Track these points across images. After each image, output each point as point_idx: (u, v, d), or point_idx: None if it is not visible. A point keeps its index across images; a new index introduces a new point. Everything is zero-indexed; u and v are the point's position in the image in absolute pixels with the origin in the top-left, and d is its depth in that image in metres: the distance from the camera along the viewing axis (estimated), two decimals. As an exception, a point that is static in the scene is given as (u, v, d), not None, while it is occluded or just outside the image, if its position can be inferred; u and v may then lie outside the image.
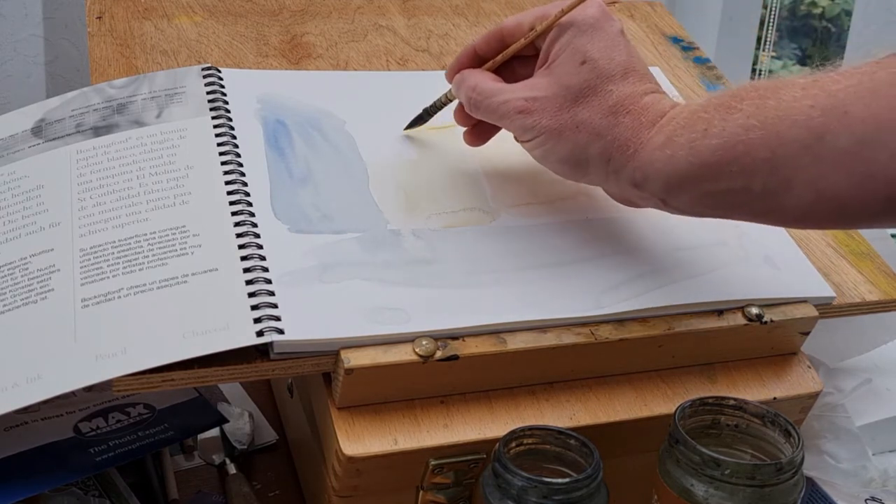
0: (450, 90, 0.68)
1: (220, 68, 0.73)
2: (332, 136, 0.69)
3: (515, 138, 0.64)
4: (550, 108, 0.59)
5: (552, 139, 0.60)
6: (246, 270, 0.58)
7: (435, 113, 0.70)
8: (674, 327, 0.62)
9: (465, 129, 0.69)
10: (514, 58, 0.65)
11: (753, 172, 0.52)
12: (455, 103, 0.68)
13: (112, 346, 0.55)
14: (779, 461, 0.55)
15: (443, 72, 0.68)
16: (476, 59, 0.66)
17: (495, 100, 0.62)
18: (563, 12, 0.61)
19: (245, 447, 0.75)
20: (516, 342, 0.59)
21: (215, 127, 0.67)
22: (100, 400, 0.69)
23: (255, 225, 0.61)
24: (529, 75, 0.63)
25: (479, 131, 0.68)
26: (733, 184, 0.53)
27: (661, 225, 0.68)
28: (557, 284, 0.62)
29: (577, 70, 0.59)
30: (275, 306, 0.57)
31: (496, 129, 0.67)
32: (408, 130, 0.71)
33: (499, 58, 0.65)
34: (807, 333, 0.67)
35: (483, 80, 0.63)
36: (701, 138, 0.54)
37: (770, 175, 0.52)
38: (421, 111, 0.71)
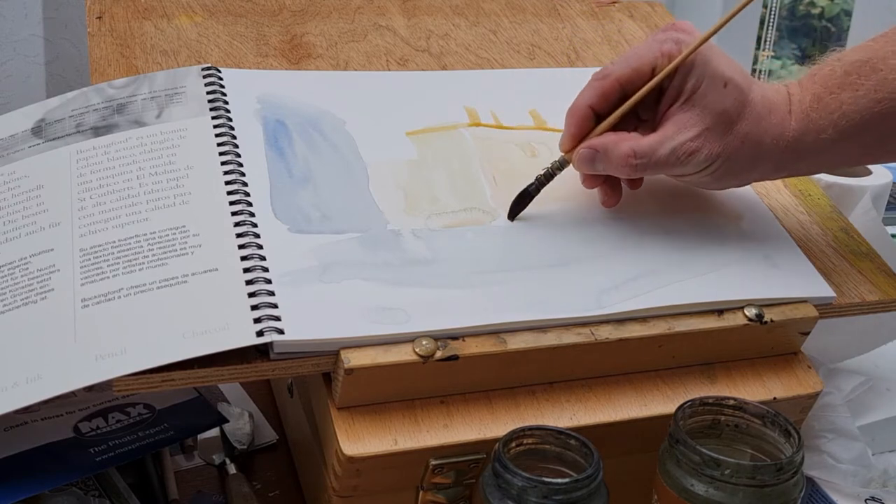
0: (558, 161, 0.66)
1: (220, 68, 0.73)
2: (332, 136, 0.69)
3: (673, 176, 0.66)
4: (715, 137, 0.62)
5: (726, 161, 0.63)
6: (246, 270, 0.58)
7: (541, 188, 0.66)
8: (674, 327, 0.62)
9: (594, 189, 0.68)
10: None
11: (887, 134, 0.63)
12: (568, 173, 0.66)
13: (112, 346, 0.55)
14: (779, 461, 0.55)
15: (443, 72, 0.68)
16: (592, 119, 0.65)
17: (661, 154, 0.62)
18: (695, 49, 0.62)
19: (245, 447, 0.75)
20: (516, 342, 0.59)
21: (215, 127, 0.67)
22: (100, 400, 0.69)
23: (255, 225, 0.61)
24: (626, 121, 0.64)
25: (614, 187, 0.67)
26: (870, 145, 0.64)
27: (661, 225, 0.68)
28: (557, 284, 0.62)
29: (724, 94, 0.62)
30: (275, 306, 0.57)
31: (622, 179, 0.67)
32: (513, 217, 0.67)
33: (624, 108, 0.64)
34: (807, 333, 0.67)
35: (634, 143, 0.63)
36: (840, 119, 0.62)
37: None
38: (525, 189, 0.66)
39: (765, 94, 0.64)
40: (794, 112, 0.64)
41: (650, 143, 0.62)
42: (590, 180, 0.67)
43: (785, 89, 0.65)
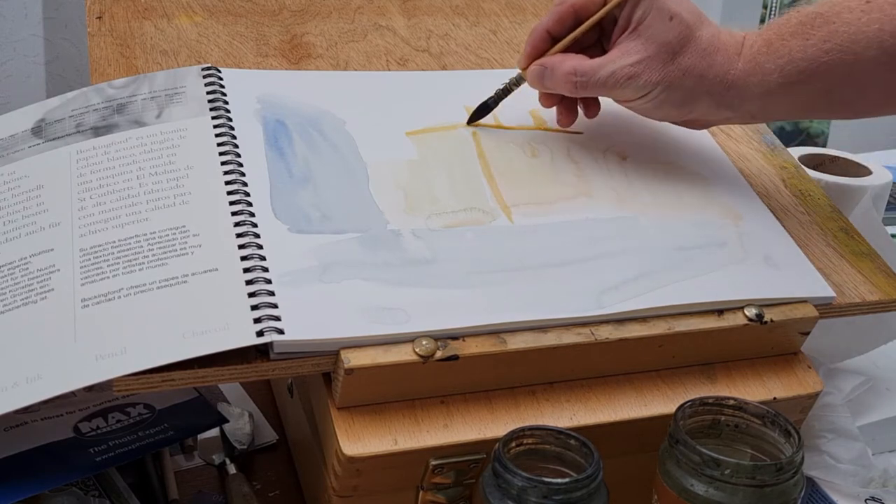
0: (515, 76, 0.71)
1: (220, 68, 0.72)
2: (332, 136, 0.69)
3: (618, 101, 0.69)
4: (656, 65, 0.66)
5: (665, 90, 0.66)
6: (246, 270, 0.58)
7: (499, 101, 0.72)
8: (674, 327, 0.62)
9: (551, 108, 0.73)
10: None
11: (833, 86, 0.65)
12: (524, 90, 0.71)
13: (112, 346, 0.55)
14: (779, 461, 0.55)
15: (443, 72, 0.68)
16: (549, 41, 0.70)
17: (601, 75, 0.67)
18: None
19: (245, 447, 0.75)
20: (516, 342, 0.59)
21: (215, 127, 0.67)
22: (100, 400, 0.69)
23: (255, 225, 0.61)
24: (592, 48, 0.70)
25: (568, 108, 0.72)
26: (816, 96, 0.66)
27: (662, 225, 0.68)
28: (557, 284, 0.62)
29: (669, 26, 0.66)
30: (275, 306, 0.57)
31: (577, 101, 0.72)
32: (470, 123, 0.73)
33: (576, 32, 0.69)
34: (807, 333, 0.67)
35: (577, 62, 0.68)
36: (786, 64, 0.65)
37: (847, 86, 0.64)
38: (485, 101, 0.72)
39: (715, 33, 0.67)
40: (743, 55, 0.66)
41: (591, 65, 0.67)
42: (545, 98, 0.72)
43: (741, 35, 0.68)
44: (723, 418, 0.60)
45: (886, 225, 0.87)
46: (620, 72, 0.66)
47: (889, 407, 0.78)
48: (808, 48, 0.64)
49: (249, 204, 0.62)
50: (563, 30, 0.69)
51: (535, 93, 0.74)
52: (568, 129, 0.73)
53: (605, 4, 0.68)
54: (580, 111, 0.73)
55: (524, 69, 0.71)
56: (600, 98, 0.72)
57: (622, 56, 0.66)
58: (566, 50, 0.69)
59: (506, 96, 0.72)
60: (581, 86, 0.68)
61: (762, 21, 1.64)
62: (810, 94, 0.66)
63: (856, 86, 0.64)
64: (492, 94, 0.72)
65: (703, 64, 0.66)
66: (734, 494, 0.55)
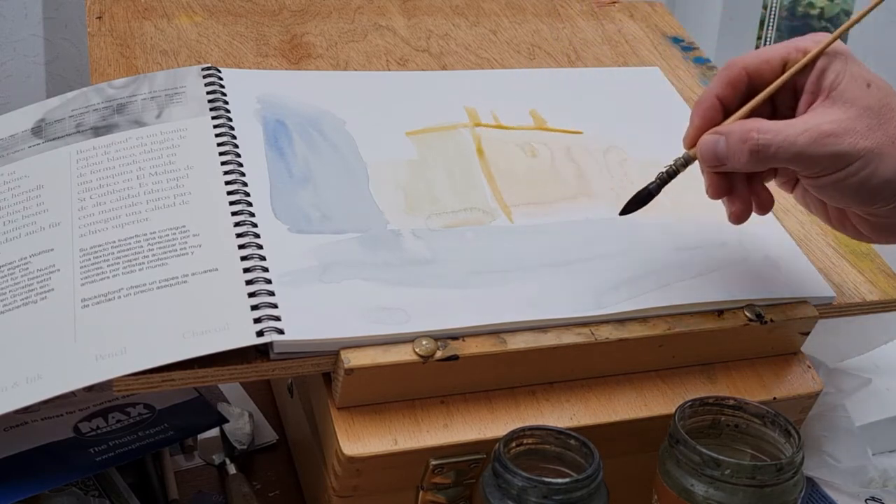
0: (682, 157, 0.60)
1: (220, 68, 0.72)
2: (332, 136, 0.69)
3: (805, 176, 0.57)
4: (861, 129, 0.55)
5: (875, 159, 0.55)
6: (246, 270, 0.58)
7: (663, 187, 0.61)
8: (674, 327, 0.62)
9: (721, 199, 0.61)
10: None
11: None
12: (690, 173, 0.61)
13: (112, 346, 0.55)
14: (779, 461, 0.55)
15: (443, 72, 0.67)
16: (720, 112, 0.59)
17: (790, 133, 0.55)
18: (833, 39, 0.57)
19: (245, 447, 0.75)
20: (516, 342, 0.59)
21: (215, 127, 0.67)
22: (100, 400, 0.69)
23: (255, 225, 0.61)
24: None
25: (740, 198, 0.60)
26: None
27: (662, 225, 0.68)
28: (557, 284, 0.62)
29: (868, 92, 0.56)
30: (275, 306, 0.57)
31: (753, 178, 0.60)
32: (623, 214, 0.62)
33: (758, 99, 0.58)
34: (807, 333, 0.67)
35: (759, 122, 0.56)
36: None
37: None
38: (646, 187, 0.61)
39: None
40: None
41: (778, 125, 0.55)
42: (713, 186, 0.60)
43: None
44: (723, 418, 0.60)
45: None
46: (817, 129, 0.54)
47: (889, 407, 0.78)
48: None
49: (249, 204, 0.62)
50: (735, 95, 0.58)
51: (535, 92, 0.73)
52: (568, 129, 0.73)
53: (783, 69, 0.58)
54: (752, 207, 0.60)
55: (691, 147, 0.59)
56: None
57: (816, 116, 0.55)
58: None
59: (670, 180, 0.61)
60: (763, 148, 0.55)
61: (762, 21, 1.64)
62: None
63: None
64: (652, 179, 0.61)
65: None
66: (734, 494, 0.55)
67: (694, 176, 0.65)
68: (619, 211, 0.62)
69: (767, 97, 0.58)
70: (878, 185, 0.55)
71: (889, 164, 0.55)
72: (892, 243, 0.61)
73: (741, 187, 0.60)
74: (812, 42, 0.58)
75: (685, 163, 0.60)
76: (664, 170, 0.61)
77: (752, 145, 0.55)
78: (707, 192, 0.60)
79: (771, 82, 0.58)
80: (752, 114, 0.58)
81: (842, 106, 0.55)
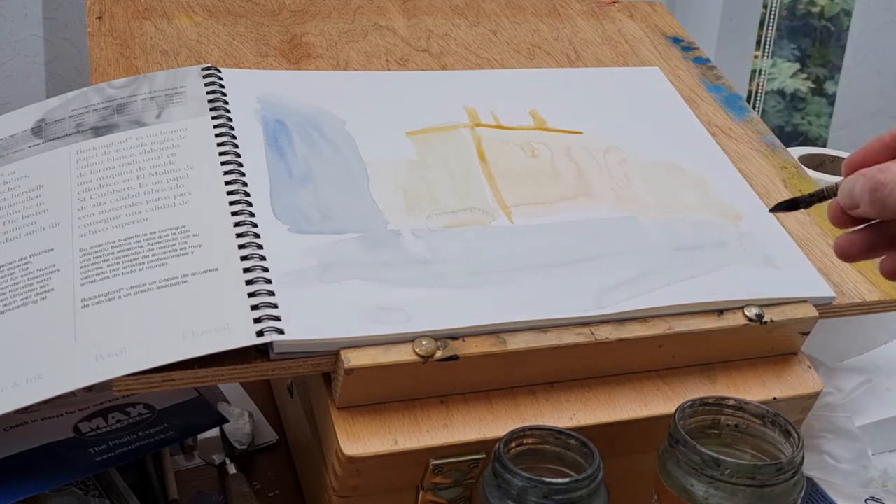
0: (834, 184, 0.54)
1: (220, 68, 0.73)
2: (332, 136, 0.69)
3: None
4: None
5: None
6: (246, 270, 0.58)
7: (811, 203, 0.57)
8: (674, 327, 0.62)
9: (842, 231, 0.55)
10: None
11: None
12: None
13: (112, 346, 0.55)
14: (779, 461, 0.55)
15: (443, 72, 0.67)
16: (889, 151, 0.51)
17: None
18: None
19: (245, 447, 0.75)
20: (516, 342, 0.59)
21: (215, 127, 0.67)
22: (100, 400, 0.69)
23: (255, 225, 0.61)
24: None
25: (868, 243, 0.54)
26: None
27: (661, 225, 0.68)
28: (557, 284, 0.62)
29: None
30: (275, 306, 0.57)
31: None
32: (773, 211, 0.61)
33: None
34: (807, 333, 0.67)
35: (890, 163, 0.49)
36: None
37: None
38: (796, 197, 0.59)
39: None
40: None
41: None
42: (842, 220, 0.53)
43: None
44: (723, 418, 0.60)
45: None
46: None
47: (889, 407, 0.78)
48: None
49: (249, 204, 0.63)
50: None
51: (535, 92, 0.73)
52: (568, 129, 0.74)
53: None
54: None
55: (847, 173, 0.53)
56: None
57: None
58: None
59: (818, 201, 0.57)
60: (879, 186, 0.48)
61: (762, 21, 1.64)
62: None
63: None
64: (799, 193, 0.58)
65: None
66: (734, 494, 0.55)
67: (694, 176, 0.65)
68: (770, 208, 0.60)
69: None
70: None
71: None
72: None
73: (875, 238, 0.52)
74: None
75: (836, 190, 0.54)
76: (816, 190, 0.57)
77: (872, 183, 0.49)
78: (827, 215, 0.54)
79: None
80: None
81: None
